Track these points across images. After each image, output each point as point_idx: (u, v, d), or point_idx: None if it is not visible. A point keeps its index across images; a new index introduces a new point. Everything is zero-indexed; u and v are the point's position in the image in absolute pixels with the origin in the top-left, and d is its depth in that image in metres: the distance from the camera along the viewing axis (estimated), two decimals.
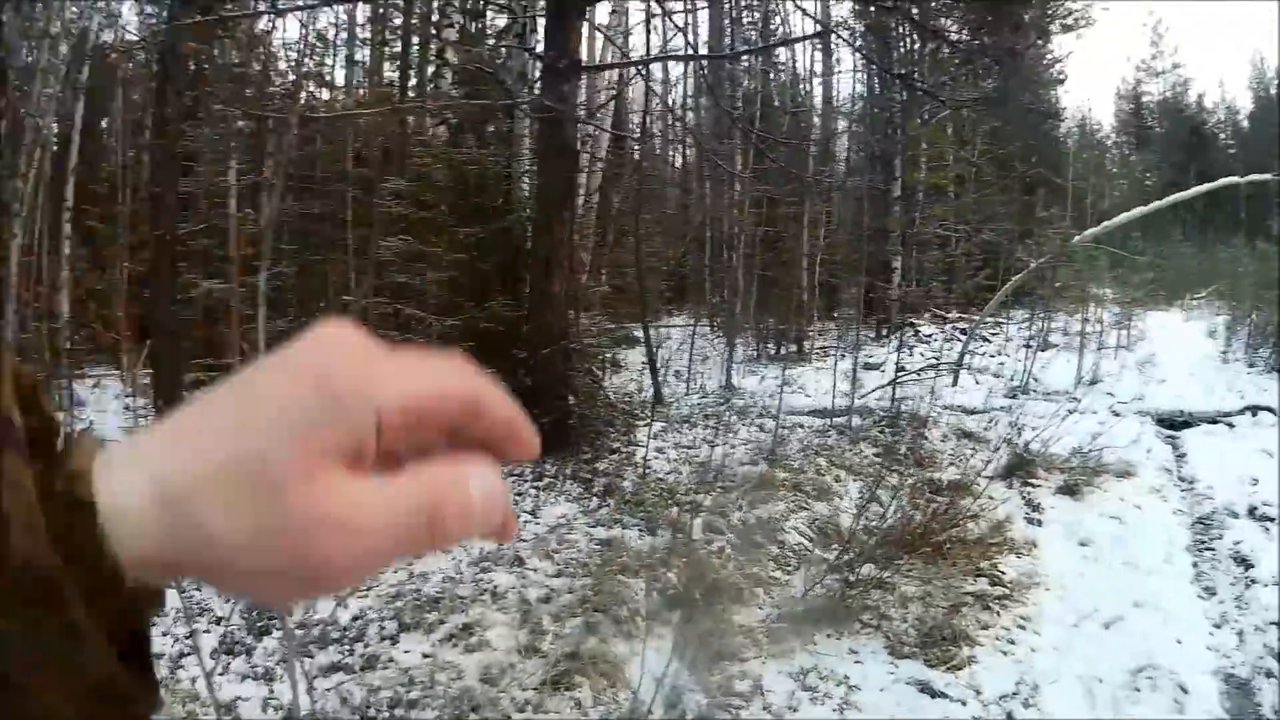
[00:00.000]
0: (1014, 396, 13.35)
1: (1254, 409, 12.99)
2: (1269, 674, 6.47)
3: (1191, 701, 6.11)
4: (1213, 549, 8.78)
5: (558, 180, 9.90)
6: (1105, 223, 14.80)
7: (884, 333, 17.48)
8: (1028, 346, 15.78)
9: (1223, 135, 40.81)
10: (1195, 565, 8.44)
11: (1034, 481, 9.98)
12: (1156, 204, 17.05)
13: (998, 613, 7.05)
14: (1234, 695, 6.27)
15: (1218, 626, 7.22)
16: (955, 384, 13.59)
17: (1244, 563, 8.31)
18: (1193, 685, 6.28)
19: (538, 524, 8.06)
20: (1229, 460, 10.92)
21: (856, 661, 6.28)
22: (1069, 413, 10.93)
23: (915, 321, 17.71)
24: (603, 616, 6.15)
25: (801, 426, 11.54)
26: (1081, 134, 35.23)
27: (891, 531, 7.64)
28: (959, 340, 16.75)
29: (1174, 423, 12.90)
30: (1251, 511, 9.42)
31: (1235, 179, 18.11)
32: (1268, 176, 17.83)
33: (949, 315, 17.98)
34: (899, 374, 12.64)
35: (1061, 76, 27.28)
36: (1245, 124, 41.48)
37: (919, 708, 5.82)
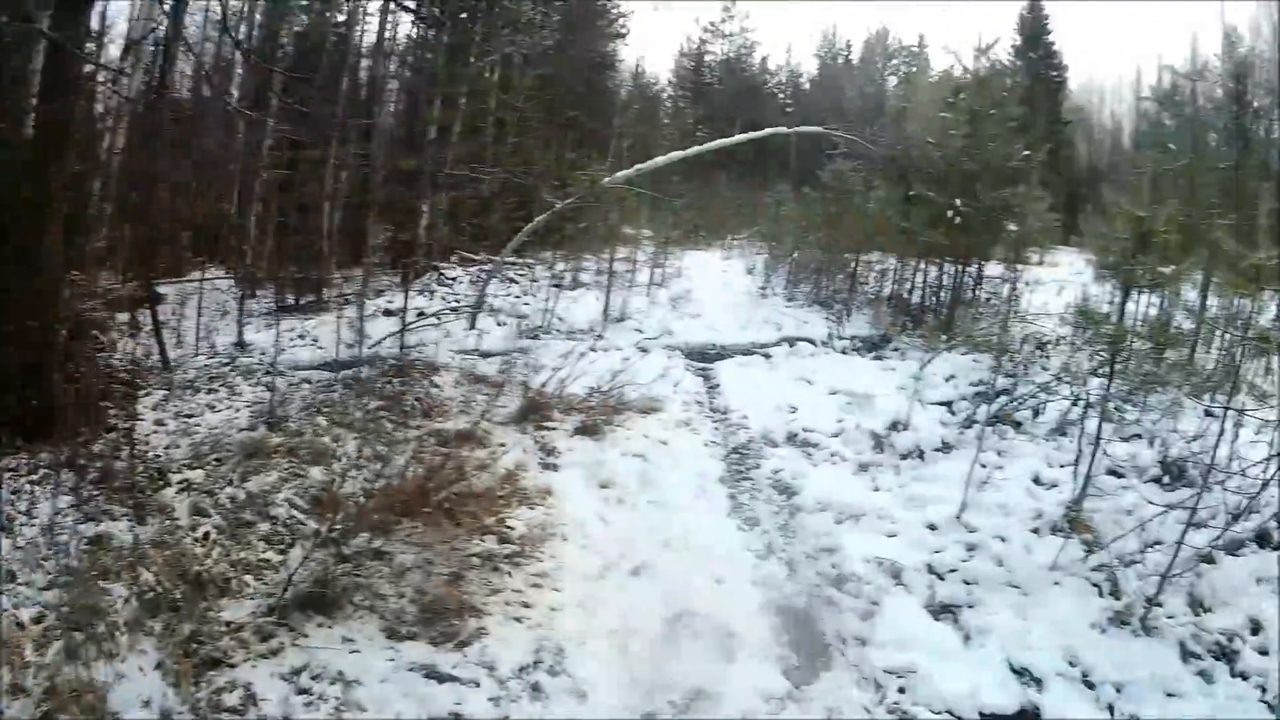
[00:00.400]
0: (535, 337, 12.94)
1: (791, 340, 13.47)
2: (829, 601, 6.36)
3: (738, 645, 5.71)
4: (750, 479, 8.63)
5: (55, 120, 8.02)
6: (638, 165, 15.07)
7: (410, 277, 16.80)
8: (557, 286, 15.95)
9: (782, 95, 44.77)
10: (733, 497, 8.16)
11: (549, 425, 9.22)
12: (696, 149, 17.76)
13: (508, 574, 6.24)
14: (791, 628, 6.02)
15: (762, 558, 6.97)
16: (472, 327, 13.10)
17: (786, 490, 8.27)
18: (738, 626, 5.90)
19: (32, 526, 6.40)
20: (766, 389, 11.11)
21: (353, 651, 5.24)
22: (588, 350, 10.70)
23: (439, 265, 17.11)
24: (81, 635, 4.98)
25: (308, 383, 10.28)
26: (635, 85, 36.61)
27: (389, 493, 6.65)
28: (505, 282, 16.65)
29: (706, 355, 13.01)
30: (791, 438, 9.56)
31: (781, 129, 19.26)
32: (816, 129, 19.14)
33: (477, 258, 17.56)
34: (410, 319, 11.82)
35: (623, 30, 28.11)
36: (807, 86, 45.83)
37: (428, 696, 4.93)
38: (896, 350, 13.01)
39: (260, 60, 14.10)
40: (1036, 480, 8.21)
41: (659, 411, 10.01)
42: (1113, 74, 65.92)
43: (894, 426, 9.51)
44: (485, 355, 11.69)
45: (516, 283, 16.92)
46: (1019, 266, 14.01)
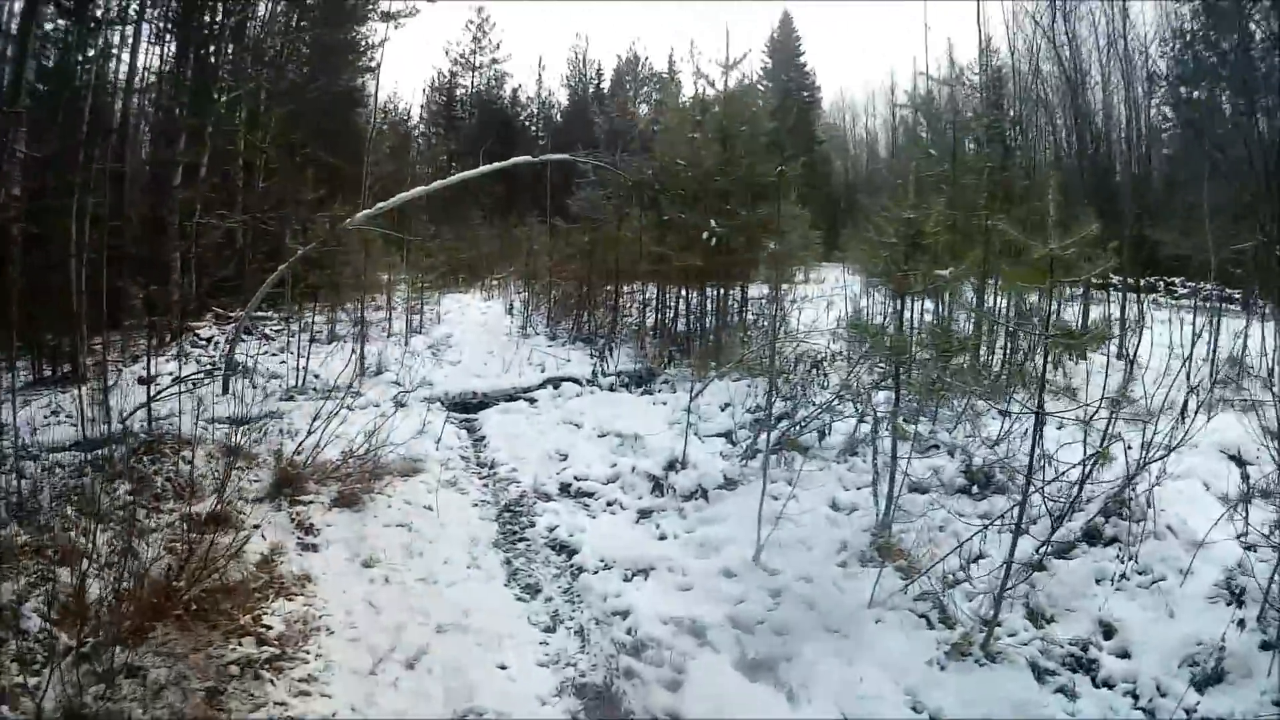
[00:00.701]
0: (291, 398, 11.52)
1: (555, 381, 12.66)
2: (630, 673, 5.56)
3: None
4: (526, 539, 7.74)
5: None
6: (379, 204, 13.65)
7: (166, 339, 14.76)
8: (313, 340, 14.37)
9: (534, 127, 44.36)
10: (509, 563, 7.29)
11: (305, 498, 8.00)
12: (439, 183, 16.57)
13: (271, 682, 5.19)
14: (592, 711, 5.26)
15: (549, 631, 6.18)
16: (225, 391, 11.40)
17: (565, 549, 7.47)
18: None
19: None
20: (533, 437, 10.28)
21: None
22: (342, 409, 9.26)
23: (193, 325, 15.16)
24: None
25: (61, 466, 8.53)
26: (385, 121, 35.05)
27: (137, 595, 5.50)
28: (259, 339, 14.86)
29: (468, 405, 12.03)
30: (565, 489, 8.74)
31: (526, 157, 18.36)
32: (562, 156, 18.30)
33: (233, 315, 15.72)
34: (160, 388, 10.04)
35: (374, 64, 26.56)
36: (559, 117, 45.53)
37: None
38: (666, 383, 12.40)
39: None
40: (834, 506, 7.85)
41: (421, 472, 8.90)
42: (864, 91, 70.59)
43: (672, 466, 8.83)
44: (239, 423, 10.06)
45: (273, 339, 15.12)
46: (784, 285, 13.76)
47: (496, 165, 15.12)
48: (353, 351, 13.44)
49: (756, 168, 13.00)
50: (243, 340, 13.61)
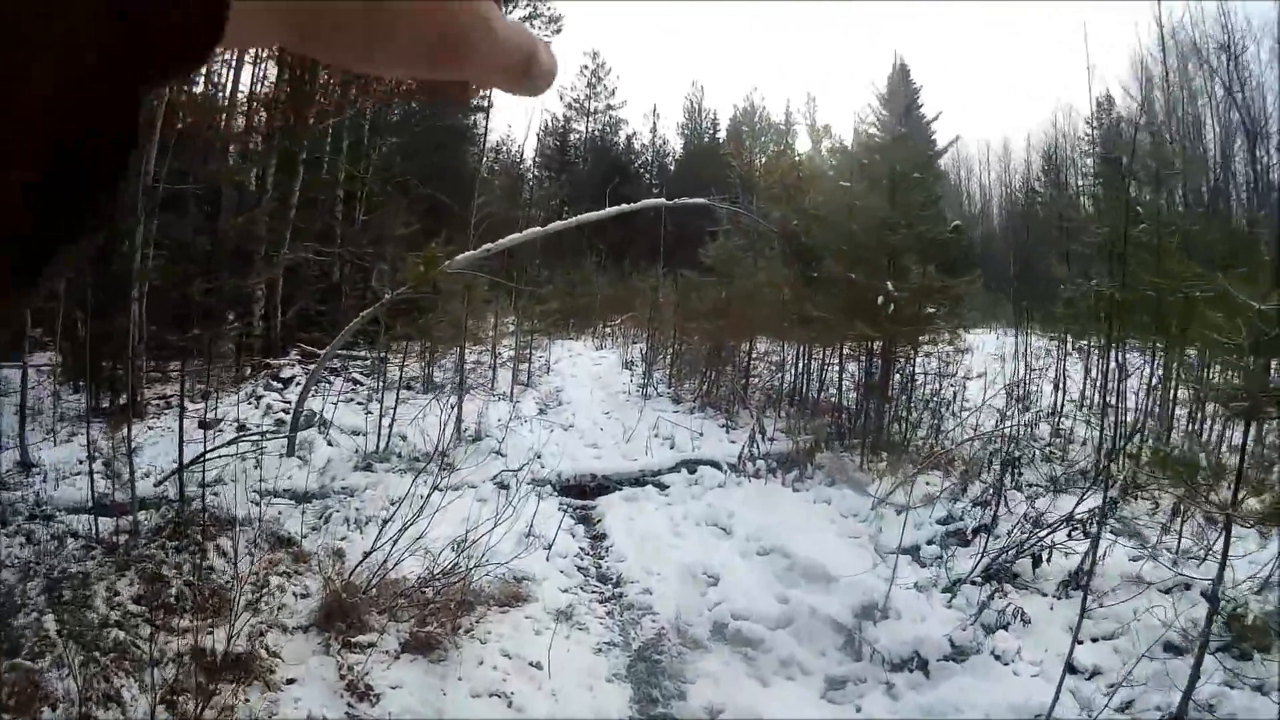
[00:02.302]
0: (369, 467, 9.62)
1: (690, 464, 10.40)
2: None
3: None
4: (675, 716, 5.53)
5: None
6: (486, 245, 11.77)
7: (246, 376, 13.24)
8: (408, 388, 12.62)
9: (648, 175, 42.75)
10: None
11: (363, 638, 5.77)
12: (557, 225, 14.74)
13: None
14: None
15: None
16: (291, 453, 9.62)
17: None
18: None
19: None
20: (669, 542, 8.10)
21: None
22: (430, 490, 7.30)
23: (273, 362, 13.50)
24: None
25: (74, 535, 6.87)
26: (499, 161, 33.66)
27: None
28: (349, 384, 13.18)
29: (585, 488, 9.83)
30: (720, 630, 6.42)
31: (660, 200, 16.59)
32: (698, 200, 16.42)
33: (320, 351, 13.98)
34: (202, 449, 8.30)
35: (486, 103, 25.31)
36: (672, 166, 43.86)
37: None
38: (821, 470, 10.05)
39: None
40: (1073, 668, 5.52)
41: (528, 600, 6.69)
42: (977, 146, 67.59)
43: (867, 613, 6.44)
44: (301, 499, 8.28)
45: (360, 383, 13.37)
46: (954, 354, 11.45)
47: (626, 207, 13.22)
48: (450, 409, 11.28)
49: (935, 224, 10.76)
50: (325, 383, 11.93)
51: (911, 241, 10.31)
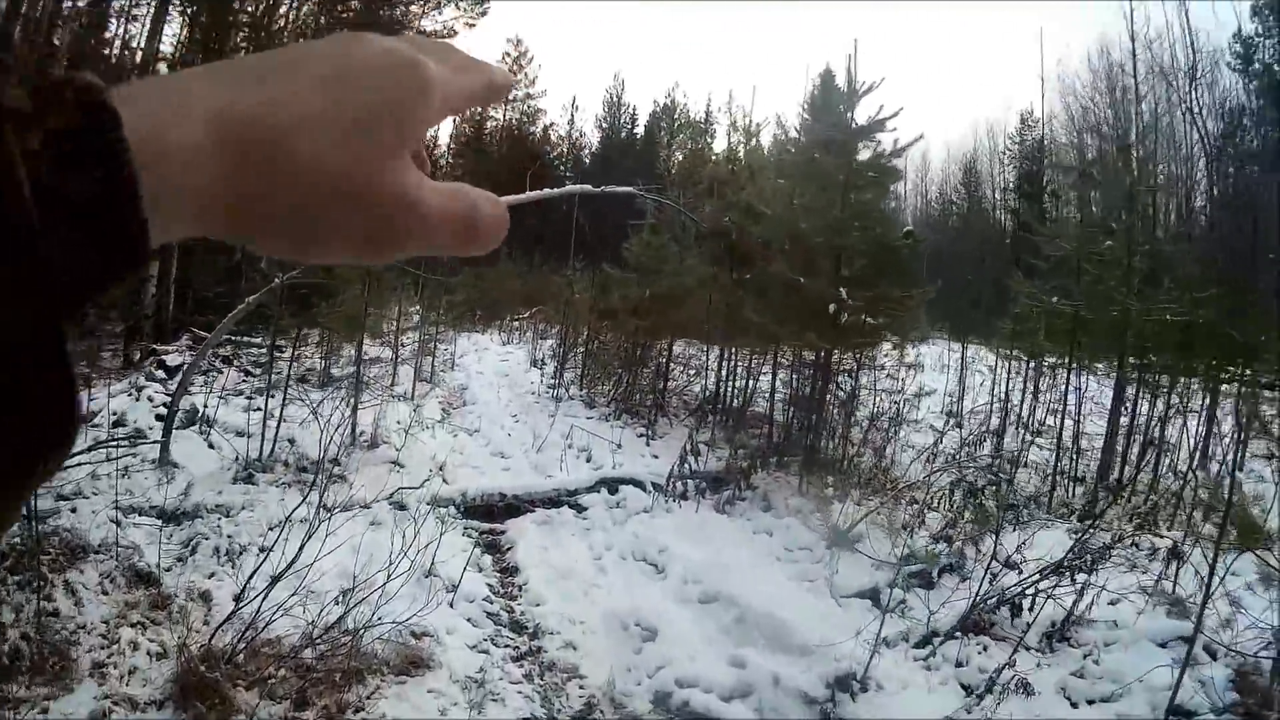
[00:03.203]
0: (249, 478, 7.85)
1: (611, 483, 9.00)
2: None
3: None
4: None
5: None
6: None
7: (134, 363, 11.44)
8: (303, 382, 11.03)
9: (562, 167, 41.32)
10: None
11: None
12: None
13: None
14: None
15: None
16: (164, 460, 7.85)
17: None
18: None
19: None
20: (593, 582, 6.85)
21: None
22: (315, 517, 5.79)
23: (159, 349, 11.70)
24: None
25: None
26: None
27: None
28: (240, 375, 11.48)
29: (493, 510, 8.34)
30: (662, 702, 5.13)
31: (585, 187, 15.18)
32: (628, 189, 15.10)
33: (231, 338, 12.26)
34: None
35: None
36: (588, 159, 42.45)
37: None
38: (755, 491, 8.88)
39: None
40: None
41: (430, 667, 5.23)
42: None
43: (844, 684, 5.22)
44: (169, 518, 6.72)
45: (253, 374, 11.58)
46: (904, 369, 10.43)
47: (550, 192, 11.71)
48: (346, 407, 9.61)
49: (888, 228, 9.73)
50: (214, 373, 10.27)
51: (864, 245, 9.21)
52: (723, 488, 8.98)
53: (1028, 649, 5.86)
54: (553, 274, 21.06)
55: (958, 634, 5.93)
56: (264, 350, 11.87)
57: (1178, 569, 6.23)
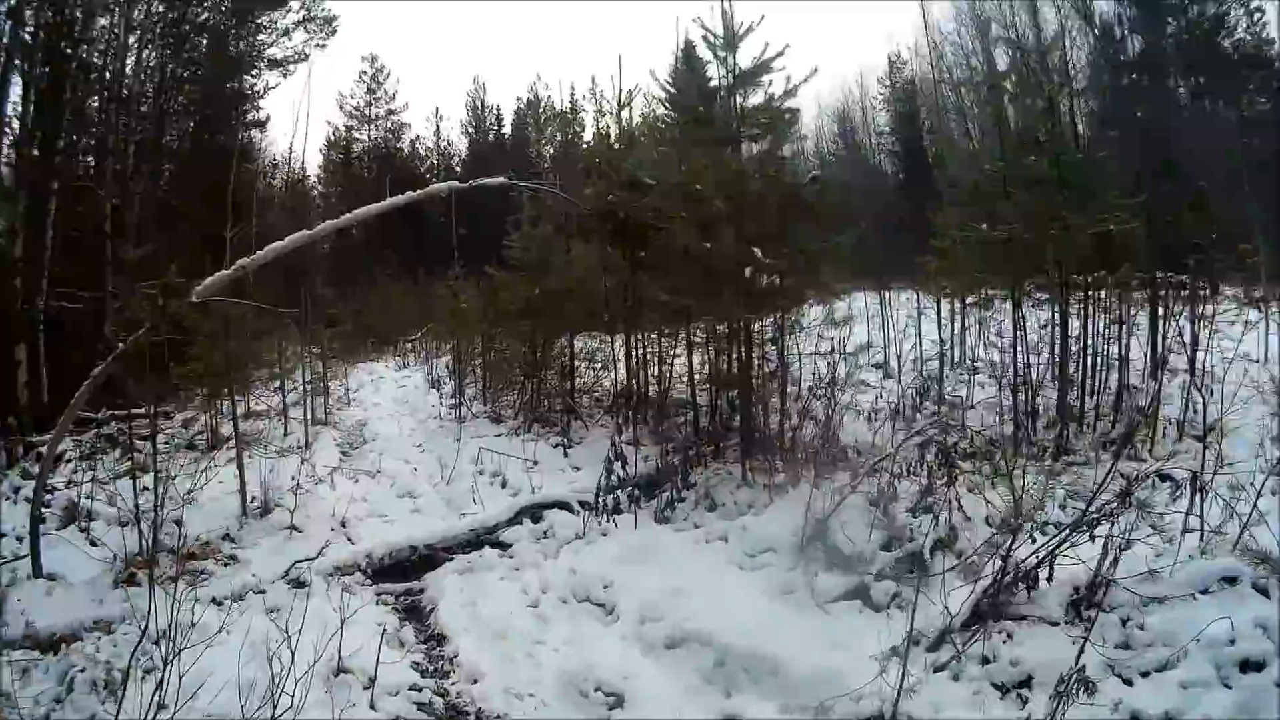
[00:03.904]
0: (131, 578, 6.01)
1: (534, 510, 7.78)
2: None
3: None
4: None
5: None
6: (240, 261, 8.45)
7: (17, 460, 9.62)
8: (191, 448, 9.42)
9: (432, 179, 39.45)
10: None
11: None
12: (329, 224, 11.44)
13: None
14: None
15: None
16: (38, 572, 6.03)
17: None
18: None
19: None
20: (527, 635, 5.60)
21: None
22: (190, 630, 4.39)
23: (38, 439, 9.84)
24: None
25: None
26: (284, 179, 29.51)
27: None
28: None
29: (405, 566, 7.02)
30: None
31: (451, 183, 13.79)
32: (498, 180, 13.80)
33: (98, 417, 10.47)
34: None
35: (263, 118, 21.89)
36: (459, 167, 40.59)
37: None
38: (695, 491, 7.67)
39: None
40: None
41: None
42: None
43: None
44: (45, 646, 5.25)
45: (138, 450, 9.69)
46: (834, 324, 9.32)
47: (413, 195, 10.26)
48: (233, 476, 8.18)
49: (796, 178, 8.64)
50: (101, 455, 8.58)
51: (771, 195, 8.08)
52: (657, 490, 7.80)
53: (1053, 624, 4.88)
54: (435, 286, 19.53)
55: (974, 625, 4.90)
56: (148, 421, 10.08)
57: (1203, 503, 5.30)
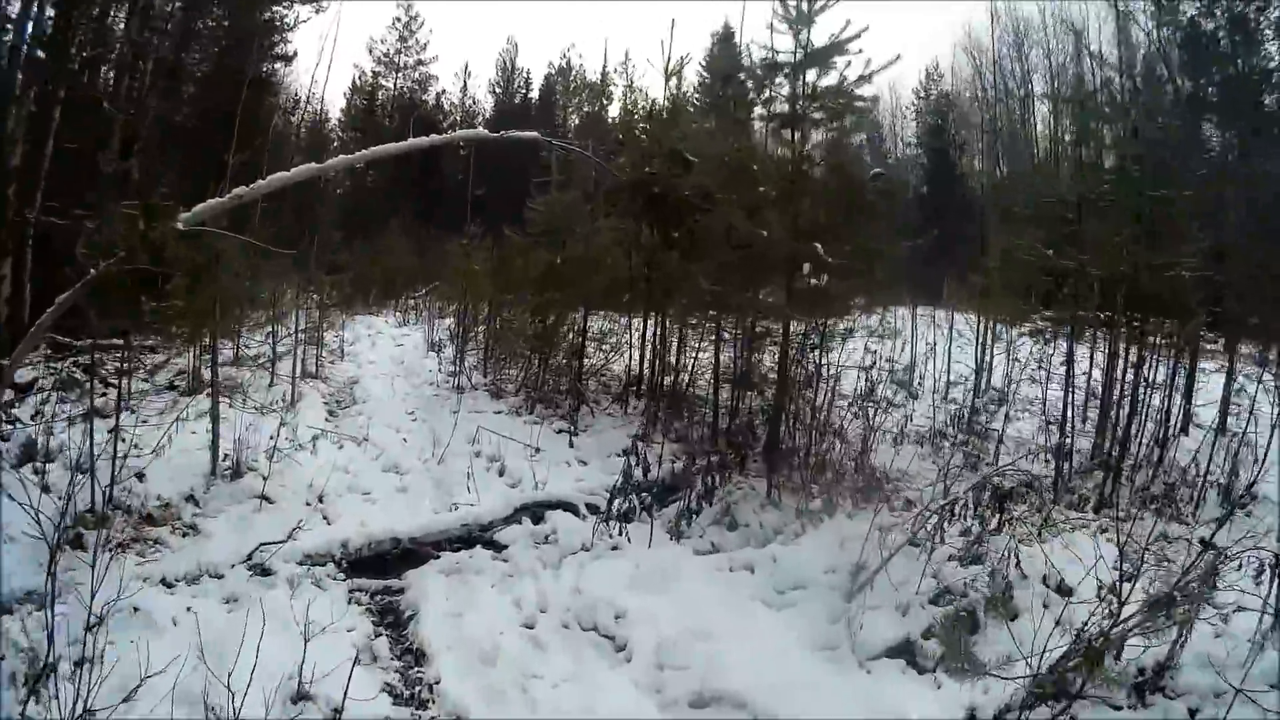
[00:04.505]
0: (78, 539, 5.01)
1: (535, 509, 6.94)
2: None
3: None
4: None
5: None
6: (238, 190, 7.52)
7: None
8: (171, 389, 8.61)
9: (453, 132, 38.43)
10: None
11: None
12: (339, 160, 10.53)
13: None
14: None
15: None
16: None
17: None
18: None
19: None
20: (522, 668, 4.75)
21: None
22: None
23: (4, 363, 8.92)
24: None
25: None
26: (303, 115, 28.43)
27: None
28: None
29: (386, 560, 6.19)
30: None
31: (481, 131, 12.87)
32: (530, 134, 12.89)
33: (78, 344, 9.52)
34: None
35: (289, 53, 20.66)
36: (482, 126, 39.42)
37: None
38: (714, 506, 6.80)
39: None
40: None
41: None
42: None
43: None
44: None
45: (113, 384, 8.75)
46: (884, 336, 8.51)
47: (438, 138, 9.34)
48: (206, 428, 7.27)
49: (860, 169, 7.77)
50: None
51: (834, 185, 7.17)
52: (671, 498, 6.97)
53: (1115, 708, 4.14)
54: (448, 244, 18.60)
55: (1034, 704, 4.14)
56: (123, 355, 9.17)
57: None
